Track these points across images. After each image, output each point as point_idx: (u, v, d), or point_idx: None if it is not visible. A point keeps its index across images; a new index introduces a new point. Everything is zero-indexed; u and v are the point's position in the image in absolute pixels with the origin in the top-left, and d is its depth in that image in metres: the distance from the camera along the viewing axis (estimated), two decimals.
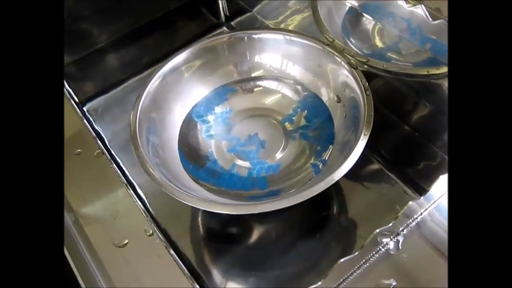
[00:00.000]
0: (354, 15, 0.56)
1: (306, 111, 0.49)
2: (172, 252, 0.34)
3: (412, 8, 0.47)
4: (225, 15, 0.66)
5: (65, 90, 0.47)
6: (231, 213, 0.37)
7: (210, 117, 0.49)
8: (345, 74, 0.45)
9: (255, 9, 0.65)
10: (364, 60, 0.46)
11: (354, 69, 0.44)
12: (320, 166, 0.44)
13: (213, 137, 0.48)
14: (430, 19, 0.44)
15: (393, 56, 0.52)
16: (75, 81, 0.57)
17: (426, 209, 0.35)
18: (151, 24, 0.65)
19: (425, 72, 0.45)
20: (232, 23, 0.66)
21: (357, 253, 0.32)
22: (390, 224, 0.34)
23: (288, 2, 0.65)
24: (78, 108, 0.45)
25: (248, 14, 0.66)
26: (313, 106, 0.49)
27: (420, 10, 0.46)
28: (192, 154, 0.46)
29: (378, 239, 0.34)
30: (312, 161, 0.45)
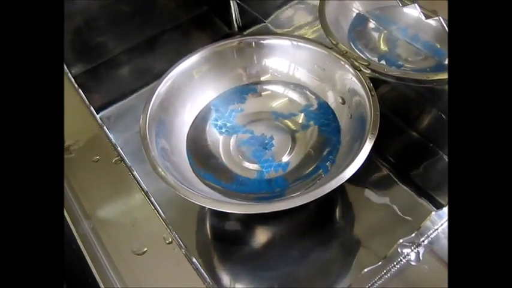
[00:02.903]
0: (361, 22, 0.56)
1: (312, 114, 0.49)
2: (194, 260, 0.34)
3: (428, 20, 0.48)
4: (237, 25, 0.67)
5: (83, 97, 0.47)
6: (244, 212, 0.37)
7: (224, 113, 0.50)
8: (349, 77, 0.46)
9: (268, 19, 0.66)
10: (366, 63, 0.46)
11: (358, 71, 0.45)
12: (329, 166, 0.44)
13: (223, 134, 0.49)
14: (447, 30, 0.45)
15: (400, 63, 0.52)
16: (88, 90, 0.57)
17: (447, 220, 0.35)
18: (165, 34, 0.66)
19: (425, 78, 0.46)
20: (244, 33, 0.66)
21: (380, 263, 0.32)
22: (413, 235, 0.33)
23: (300, 13, 0.65)
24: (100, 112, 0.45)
25: (261, 25, 0.66)
26: (319, 109, 0.49)
27: (436, 22, 0.47)
28: (201, 158, 0.46)
29: (399, 250, 0.34)
30: (320, 161, 0.45)
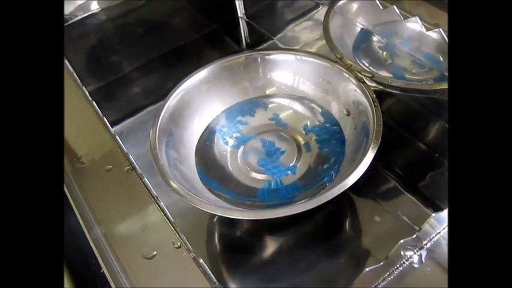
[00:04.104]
0: (365, 37, 0.58)
1: (317, 126, 0.51)
2: (202, 262, 0.34)
3: (430, 32, 0.49)
4: (246, 43, 0.69)
5: (97, 110, 0.48)
6: (249, 218, 0.38)
7: (232, 125, 0.52)
8: (353, 88, 0.47)
9: (276, 37, 0.68)
10: (370, 75, 0.48)
11: (362, 83, 0.46)
12: (333, 175, 0.45)
13: (231, 145, 0.51)
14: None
15: (404, 75, 0.54)
16: (102, 106, 0.59)
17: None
18: (176, 52, 0.68)
19: (428, 88, 0.47)
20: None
21: (382, 263, 0.33)
22: (414, 236, 0.34)
23: (307, 30, 0.67)
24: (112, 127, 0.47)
25: (270, 42, 0.68)
26: (324, 120, 0.51)
27: (437, 34, 0.48)
28: (209, 168, 0.48)
29: (402, 253, 0.34)
30: (325, 171, 0.46)
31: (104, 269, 0.35)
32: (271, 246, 0.45)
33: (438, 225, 0.36)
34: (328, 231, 0.45)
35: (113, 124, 0.58)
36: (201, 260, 0.35)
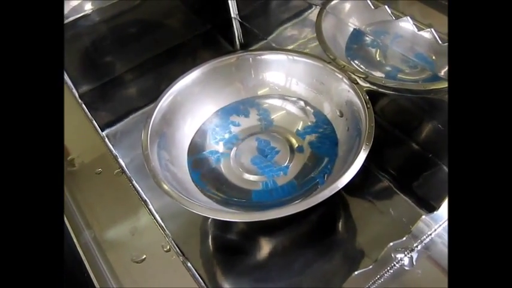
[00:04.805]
0: (358, 37, 0.58)
1: (310, 127, 0.51)
2: (189, 265, 0.34)
3: (422, 32, 0.49)
4: (240, 43, 0.69)
5: (86, 113, 0.48)
6: (239, 220, 0.38)
7: (224, 126, 0.52)
8: (346, 89, 0.47)
9: (270, 37, 0.68)
10: (363, 75, 0.47)
11: (355, 84, 0.46)
12: (325, 177, 0.45)
13: (223, 146, 0.51)
14: (440, 42, 0.46)
15: (397, 75, 0.54)
16: (95, 108, 0.58)
17: (440, 225, 0.35)
18: (169, 53, 0.68)
19: (422, 88, 0.47)
20: None
21: (371, 266, 0.33)
22: (404, 239, 0.34)
23: (301, 30, 0.67)
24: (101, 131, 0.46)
25: (263, 42, 0.68)
26: (317, 121, 0.50)
27: (429, 34, 0.48)
28: (201, 169, 0.48)
29: (392, 255, 0.34)
30: (317, 173, 0.46)
31: (91, 273, 0.35)
32: (264, 248, 0.45)
33: (430, 226, 0.35)
34: (321, 232, 0.45)
35: (107, 126, 0.59)
36: (189, 264, 0.34)
